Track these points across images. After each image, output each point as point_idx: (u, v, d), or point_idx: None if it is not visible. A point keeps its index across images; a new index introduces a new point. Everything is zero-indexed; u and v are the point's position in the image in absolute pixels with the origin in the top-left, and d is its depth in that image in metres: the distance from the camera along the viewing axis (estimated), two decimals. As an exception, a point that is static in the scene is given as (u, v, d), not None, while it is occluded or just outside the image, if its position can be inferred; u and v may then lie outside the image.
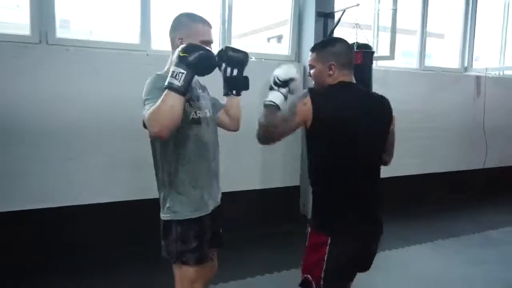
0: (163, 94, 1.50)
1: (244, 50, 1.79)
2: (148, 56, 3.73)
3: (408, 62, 5.68)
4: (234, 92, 1.88)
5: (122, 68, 3.62)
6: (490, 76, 5.79)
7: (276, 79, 1.70)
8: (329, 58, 1.72)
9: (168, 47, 3.93)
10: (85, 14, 4.03)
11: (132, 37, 3.83)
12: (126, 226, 3.66)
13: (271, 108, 1.68)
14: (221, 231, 1.96)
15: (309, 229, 1.78)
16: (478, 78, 5.76)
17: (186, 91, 1.52)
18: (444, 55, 6.75)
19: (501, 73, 6.13)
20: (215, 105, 1.96)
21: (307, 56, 4.38)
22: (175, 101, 1.49)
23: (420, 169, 5.31)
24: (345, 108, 1.67)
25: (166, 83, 1.50)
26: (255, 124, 1.70)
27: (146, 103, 1.61)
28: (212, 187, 1.85)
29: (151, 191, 3.68)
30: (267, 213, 4.28)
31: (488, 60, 6.22)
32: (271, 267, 3.21)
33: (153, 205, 3.65)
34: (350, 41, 4.18)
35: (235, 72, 1.77)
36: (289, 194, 4.58)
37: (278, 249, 3.66)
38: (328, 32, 4.32)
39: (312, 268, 1.70)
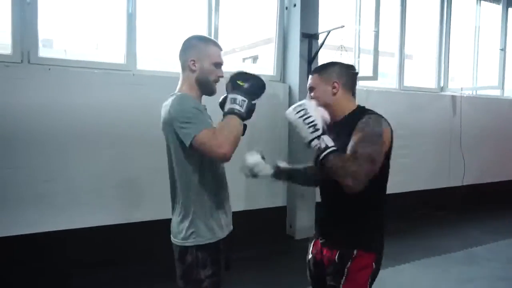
0: (228, 118, 1.58)
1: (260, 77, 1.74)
2: (134, 76, 3.67)
3: (382, 82, 5.81)
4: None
5: (107, 88, 3.54)
6: (465, 95, 6.01)
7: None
8: (331, 77, 1.73)
9: (154, 67, 3.89)
10: (68, 33, 3.95)
11: (117, 57, 3.76)
12: (106, 251, 3.52)
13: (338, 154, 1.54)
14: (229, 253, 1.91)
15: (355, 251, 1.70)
16: (453, 97, 5.96)
17: (248, 117, 1.63)
18: (415, 75, 6.94)
19: (475, 93, 6.36)
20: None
21: (292, 76, 4.49)
22: (240, 128, 1.59)
23: (400, 187, 5.38)
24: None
25: (228, 109, 1.59)
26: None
27: (188, 124, 1.56)
28: (229, 212, 1.83)
29: (136, 214, 3.65)
30: (253, 234, 4.22)
31: (462, 80, 6.46)
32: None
33: (136, 228, 3.62)
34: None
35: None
36: (275, 215, 4.55)
37: (268, 271, 3.60)
38: (313, 53, 4.39)
39: None
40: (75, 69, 3.45)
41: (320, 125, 1.55)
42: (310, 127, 1.55)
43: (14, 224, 3.21)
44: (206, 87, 1.74)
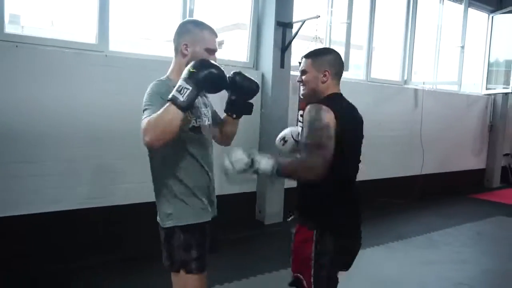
0: (165, 106, 1.48)
1: (254, 80, 1.79)
2: (107, 57, 3.56)
3: (356, 74, 5.97)
4: (234, 115, 1.87)
5: (78, 68, 3.42)
6: (426, 89, 6.29)
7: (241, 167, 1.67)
8: (324, 65, 1.77)
9: (128, 49, 3.80)
10: (38, 10, 3.76)
11: (88, 36, 3.63)
12: (83, 235, 3.45)
13: (283, 165, 1.62)
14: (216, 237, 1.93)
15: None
16: (416, 90, 6.23)
17: (188, 108, 1.51)
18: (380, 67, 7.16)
19: (435, 87, 6.68)
20: (215, 117, 1.94)
21: (266, 63, 4.52)
22: (174, 116, 1.47)
23: (365, 176, 5.58)
24: (349, 114, 1.77)
25: (170, 96, 1.48)
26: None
27: (145, 108, 1.57)
28: (212, 195, 1.83)
29: (110, 198, 3.59)
30: (223, 220, 4.25)
31: (424, 74, 6.75)
32: (237, 274, 3.20)
33: (112, 212, 3.55)
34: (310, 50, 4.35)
35: (241, 99, 1.81)
36: (245, 200, 4.61)
37: (237, 256, 3.65)
38: (287, 42, 4.43)
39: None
40: (44, 48, 3.30)
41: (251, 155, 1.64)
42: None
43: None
44: None
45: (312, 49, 1.89)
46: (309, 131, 1.63)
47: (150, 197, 3.75)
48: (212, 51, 1.72)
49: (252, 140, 4.50)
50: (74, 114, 3.40)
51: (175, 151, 1.67)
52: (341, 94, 1.83)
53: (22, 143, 3.21)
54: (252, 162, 1.63)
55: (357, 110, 1.88)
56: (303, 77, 1.82)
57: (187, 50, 1.68)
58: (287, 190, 4.56)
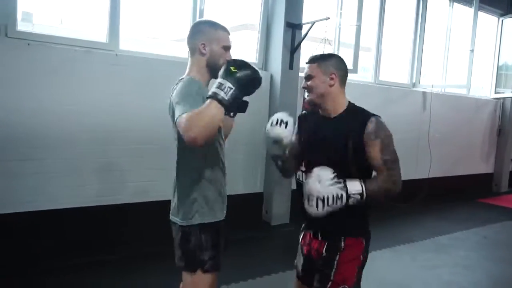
0: (207, 102, 1.49)
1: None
2: (117, 56, 3.58)
3: (364, 76, 5.96)
4: (231, 114, 1.78)
5: (89, 67, 3.45)
6: (435, 92, 6.27)
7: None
8: (330, 68, 1.75)
9: (138, 48, 3.79)
10: (50, 8, 3.79)
11: (99, 35, 3.65)
12: (87, 233, 3.47)
13: (372, 189, 1.64)
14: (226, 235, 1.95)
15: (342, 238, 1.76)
16: (424, 93, 6.21)
17: (230, 107, 1.52)
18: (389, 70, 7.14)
19: (444, 90, 6.64)
20: None
21: (274, 64, 4.52)
22: (217, 112, 1.48)
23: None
24: None
25: (211, 93, 1.49)
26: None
27: (179, 105, 1.55)
28: (225, 194, 1.86)
29: (116, 197, 3.61)
30: (230, 220, 4.27)
31: (433, 77, 6.71)
32: (244, 275, 3.21)
33: (118, 210, 3.57)
34: (316, 53, 4.34)
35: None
36: (252, 201, 4.62)
37: (244, 256, 3.66)
38: (296, 43, 4.44)
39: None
40: (56, 46, 3.33)
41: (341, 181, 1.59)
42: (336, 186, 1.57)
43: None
44: (215, 70, 1.71)
45: (315, 54, 1.86)
46: (390, 145, 1.71)
47: (156, 196, 3.78)
48: (228, 48, 1.77)
49: (259, 142, 4.50)
50: (83, 112, 3.43)
51: (204, 150, 1.68)
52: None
53: (31, 140, 3.24)
54: (343, 190, 1.58)
55: None
56: (309, 82, 1.77)
57: (205, 49, 1.72)
58: (294, 191, 4.56)
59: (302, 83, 1.86)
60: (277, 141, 1.81)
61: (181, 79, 1.73)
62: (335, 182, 1.57)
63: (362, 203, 1.62)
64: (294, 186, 4.91)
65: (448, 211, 5.72)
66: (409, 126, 6.04)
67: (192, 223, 1.71)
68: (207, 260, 1.71)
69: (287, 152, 1.90)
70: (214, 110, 1.48)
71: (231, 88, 1.49)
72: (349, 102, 1.80)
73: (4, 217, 3.15)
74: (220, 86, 1.49)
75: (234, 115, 1.82)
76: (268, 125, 1.84)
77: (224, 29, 1.79)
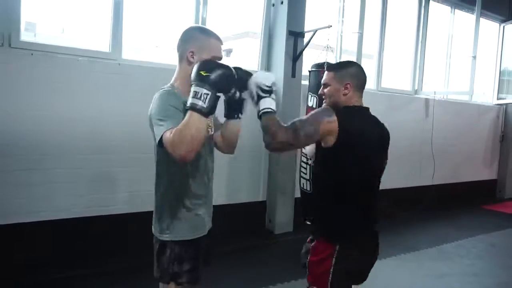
0: (187, 115, 1.42)
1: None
2: (120, 66, 3.59)
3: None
4: (240, 115, 1.78)
5: (91, 76, 3.45)
6: (437, 99, 6.25)
7: (264, 86, 1.65)
8: (345, 78, 1.78)
9: (140, 57, 3.75)
10: (53, 19, 3.80)
11: (102, 45, 3.66)
12: (89, 243, 3.45)
13: (272, 115, 1.66)
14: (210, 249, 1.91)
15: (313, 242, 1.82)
16: (427, 100, 6.20)
17: (211, 112, 1.46)
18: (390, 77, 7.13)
19: (446, 97, 6.63)
20: (216, 124, 1.87)
21: (277, 72, 4.52)
22: (201, 123, 1.42)
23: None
24: (365, 127, 1.77)
25: (189, 104, 1.42)
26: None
27: (160, 122, 1.51)
28: (209, 208, 1.81)
29: (112, 207, 3.58)
30: (233, 229, 4.24)
31: (435, 84, 6.71)
32: (247, 285, 3.17)
33: (113, 220, 3.54)
34: (319, 61, 4.35)
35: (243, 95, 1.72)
36: (255, 209, 4.59)
37: (247, 265, 3.63)
38: (298, 51, 4.44)
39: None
40: (59, 56, 3.34)
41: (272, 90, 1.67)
42: (263, 90, 1.64)
43: None
44: None
45: (334, 62, 1.88)
46: (305, 119, 1.72)
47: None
48: (218, 59, 1.66)
49: (261, 151, 4.48)
50: (85, 121, 3.42)
51: (181, 165, 1.62)
52: (363, 107, 1.83)
53: (33, 150, 3.23)
54: (269, 89, 1.65)
55: (380, 124, 1.89)
56: (325, 90, 1.83)
57: (193, 57, 1.62)
58: (297, 200, 4.55)
59: (309, 91, 1.89)
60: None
61: (161, 88, 1.65)
62: (263, 87, 1.64)
63: (260, 118, 1.67)
64: (297, 195, 4.89)
65: (453, 218, 5.67)
66: (412, 133, 6.02)
67: (167, 238, 1.68)
68: (181, 273, 1.67)
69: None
70: (196, 123, 1.41)
71: (208, 94, 1.42)
72: (355, 105, 1.81)
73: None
74: (196, 95, 1.42)
75: (239, 117, 1.78)
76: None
77: (217, 38, 1.70)
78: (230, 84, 1.53)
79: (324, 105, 1.86)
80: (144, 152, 3.65)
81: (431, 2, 6.22)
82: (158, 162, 1.71)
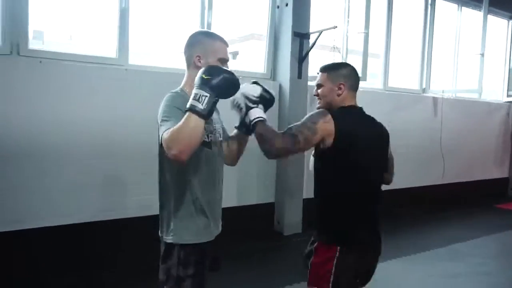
0: (185, 116, 1.44)
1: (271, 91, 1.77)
2: (127, 71, 3.62)
3: (372, 83, 5.94)
4: (246, 131, 1.81)
5: (99, 82, 3.48)
6: (446, 97, 6.20)
7: (252, 97, 1.68)
8: (339, 78, 1.80)
9: (147, 63, 3.78)
10: (60, 26, 3.85)
11: (109, 51, 3.70)
12: (92, 249, 3.47)
13: (265, 123, 1.68)
14: (219, 256, 1.91)
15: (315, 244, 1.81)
16: (435, 99, 6.14)
17: (209, 115, 1.48)
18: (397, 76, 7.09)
19: (455, 95, 6.57)
20: (224, 133, 1.89)
21: (283, 74, 4.52)
22: (196, 124, 1.43)
23: (384, 186, 5.50)
24: (361, 126, 1.77)
25: (188, 105, 1.45)
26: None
27: (163, 123, 1.54)
28: (217, 213, 1.80)
29: (124, 211, 3.61)
30: (241, 230, 4.24)
31: (443, 82, 6.66)
32: (255, 286, 3.17)
33: (120, 225, 3.56)
34: (327, 63, 4.34)
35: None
36: (263, 211, 4.59)
37: (256, 267, 3.63)
38: (304, 53, 4.44)
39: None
40: (67, 63, 3.38)
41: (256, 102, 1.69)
42: (250, 101, 1.68)
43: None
44: None
45: (328, 63, 1.90)
46: (301, 124, 1.71)
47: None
48: (225, 61, 1.70)
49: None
50: (94, 127, 3.45)
51: (186, 166, 1.62)
52: (357, 107, 1.83)
53: (42, 155, 3.26)
54: (257, 99, 1.68)
55: (377, 123, 1.89)
56: (319, 90, 1.85)
57: (200, 62, 1.66)
58: (306, 201, 4.53)
59: (313, 91, 1.90)
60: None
61: (171, 92, 1.69)
62: (251, 98, 1.67)
63: (251, 129, 1.69)
64: (306, 196, 4.88)
65: (464, 217, 5.61)
66: (421, 132, 5.98)
67: (172, 241, 1.68)
68: (186, 278, 1.66)
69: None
70: (193, 123, 1.43)
71: (206, 96, 1.44)
72: (350, 105, 1.82)
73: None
74: (195, 97, 1.45)
75: (250, 132, 1.80)
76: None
77: (222, 40, 1.73)
78: (231, 89, 1.54)
79: (317, 105, 1.87)
80: (151, 157, 3.67)
81: (437, 0, 6.17)
82: (164, 165, 1.71)
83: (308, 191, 4.32)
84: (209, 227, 1.73)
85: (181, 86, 1.74)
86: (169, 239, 1.69)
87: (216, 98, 1.48)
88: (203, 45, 1.69)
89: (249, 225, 4.30)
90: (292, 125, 1.73)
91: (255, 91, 1.70)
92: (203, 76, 1.46)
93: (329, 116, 1.69)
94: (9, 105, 3.14)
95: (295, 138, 1.66)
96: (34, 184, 3.24)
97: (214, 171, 1.76)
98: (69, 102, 3.36)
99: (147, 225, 3.56)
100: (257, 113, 1.68)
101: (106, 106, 3.51)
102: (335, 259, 1.71)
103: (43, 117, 3.26)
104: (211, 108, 1.47)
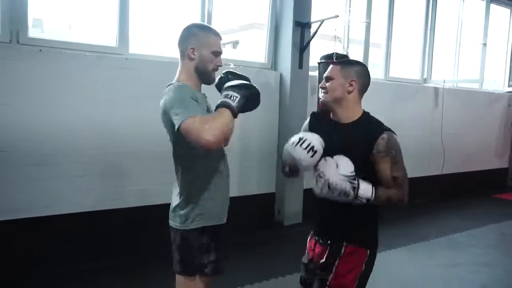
0: (220, 111, 1.56)
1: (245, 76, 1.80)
2: (127, 60, 3.60)
3: (374, 73, 5.92)
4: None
5: (99, 71, 3.46)
6: (447, 87, 6.18)
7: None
8: (352, 74, 1.71)
9: (147, 51, 3.76)
10: (60, 14, 3.82)
11: (109, 39, 3.67)
12: (98, 237, 3.49)
13: (378, 193, 1.63)
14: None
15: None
16: (436, 89, 6.12)
17: (237, 114, 1.60)
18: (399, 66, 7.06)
19: (456, 85, 6.55)
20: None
21: (284, 63, 4.50)
22: (230, 119, 1.57)
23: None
24: None
25: (222, 102, 1.58)
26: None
27: (179, 111, 1.55)
28: (228, 199, 1.84)
29: (127, 200, 3.62)
30: (242, 220, 4.25)
31: (444, 72, 6.63)
32: (257, 276, 3.19)
33: (125, 214, 3.58)
34: (328, 52, 4.32)
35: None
36: (264, 201, 4.60)
37: (256, 257, 3.66)
38: (305, 42, 4.41)
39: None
40: (67, 51, 3.35)
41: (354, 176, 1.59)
42: (350, 181, 1.57)
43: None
44: (204, 75, 1.75)
45: (341, 56, 1.86)
46: (400, 162, 1.70)
47: (166, 199, 3.79)
48: (218, 53, 1.76)
49: (270, 142, 4.49)
50: (94, 116, 3.44)
51: (204, 155, 1.67)
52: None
53: (43, 145, 3.26)
54: (355, 187, 1.58)
55: None
56: (328, 83, 1.73)
57: (194, 54, 1.71)
58: (306, 191, 4.55)
59: (318, 82, 1.86)
60: (296, 163, 1.63)
61: (170, 84, 1.72)
62: (351, 178, 1.56)
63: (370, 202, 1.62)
64: (306, 186, 4.88)
65: (463, 208, 5.65)
66: (421, 122, 5.97)
67: (191, 227, 1.70)
68: (208, 264, 1.70)
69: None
70: (227, 118, 1.55)
71: (237, 97, 1.59)
72: (364, 111, 1.77)
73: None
74: (227, 96, 1.59)
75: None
76: (295, 140, 1.62)
77: (216, 33, 1.77)
78: (255, 100, 1.69)
79: (321, 99, 1.78)
80: (154, 145, 3.69)
81: (440, -11, 6.12)
82: (180, 152, 1.73)
83: (308, 181, 4.33)
84: (224, 212, 1.80)
85: (176, 78, 1.77)
86: (191, 224, 1.70)
87: (243, 104, 1.61)
88: (197, 38, 1.73)
89: (250, 215, 4.32)
90: (399, 173, 1.69)
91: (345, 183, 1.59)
92: (239, 82, 1.64)
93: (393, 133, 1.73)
94: (8, 94, 3.12)
95: (407, 177, 1.74)
96: (36, 173, 3.23)
97: (225, 158, 1.82)
98: (69, 91, 3.34)
99: (151, 215, 3.63)
100: (367, 190, 1.59)
101: (106, 95, 3.50)
102: (364, 263, 1.72)
103: (42, 105, 3.24)
104: (240, 109, 1.61)
